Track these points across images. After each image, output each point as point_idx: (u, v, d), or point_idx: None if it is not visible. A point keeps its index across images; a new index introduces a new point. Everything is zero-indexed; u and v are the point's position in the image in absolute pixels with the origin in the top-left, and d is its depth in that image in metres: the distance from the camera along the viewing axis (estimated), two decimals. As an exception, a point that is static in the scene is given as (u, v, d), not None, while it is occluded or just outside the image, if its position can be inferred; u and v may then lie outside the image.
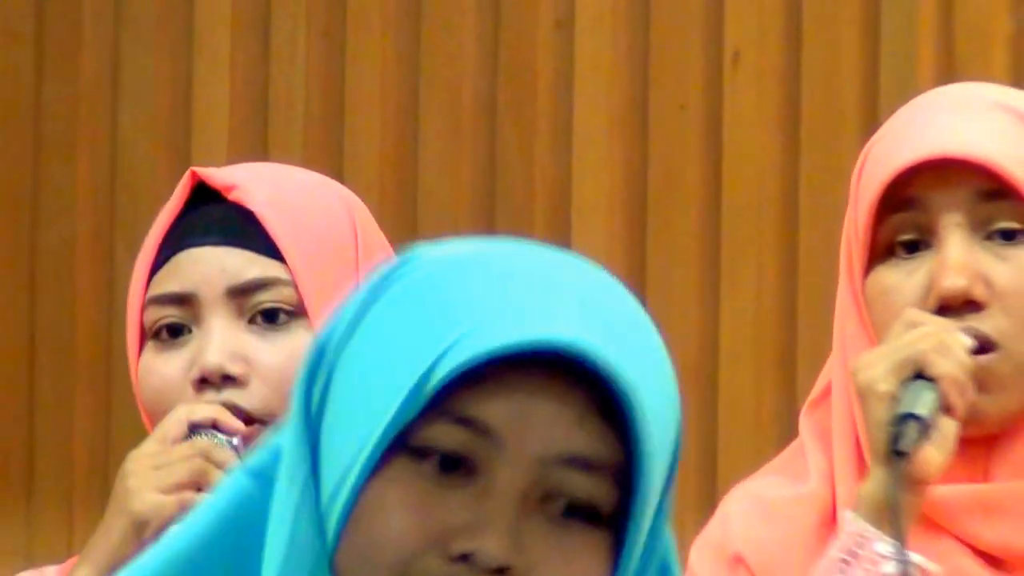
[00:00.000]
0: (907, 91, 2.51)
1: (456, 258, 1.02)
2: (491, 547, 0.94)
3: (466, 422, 0.96)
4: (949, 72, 2.78)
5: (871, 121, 2.87)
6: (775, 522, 1.86)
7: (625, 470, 0.96)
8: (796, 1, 2.94)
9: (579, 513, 0.96)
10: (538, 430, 0.98)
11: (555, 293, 1.01)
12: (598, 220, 2.86)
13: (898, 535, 1.68)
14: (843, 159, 2.85)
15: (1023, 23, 2.91)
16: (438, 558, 0.95)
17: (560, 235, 2.90)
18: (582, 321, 0.98)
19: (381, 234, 1.80)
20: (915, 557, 1.67)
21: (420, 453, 0.97)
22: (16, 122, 3.55)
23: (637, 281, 2.87)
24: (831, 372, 1.88)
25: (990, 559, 1.78)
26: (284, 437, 1.03)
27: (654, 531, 0.99)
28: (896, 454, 1.68)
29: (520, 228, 2.97)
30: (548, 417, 0.97)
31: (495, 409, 0.96)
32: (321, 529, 1.01)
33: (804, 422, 1.88)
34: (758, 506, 1.88)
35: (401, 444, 0.97)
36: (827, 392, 1.86)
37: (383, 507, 0.97)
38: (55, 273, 3.33)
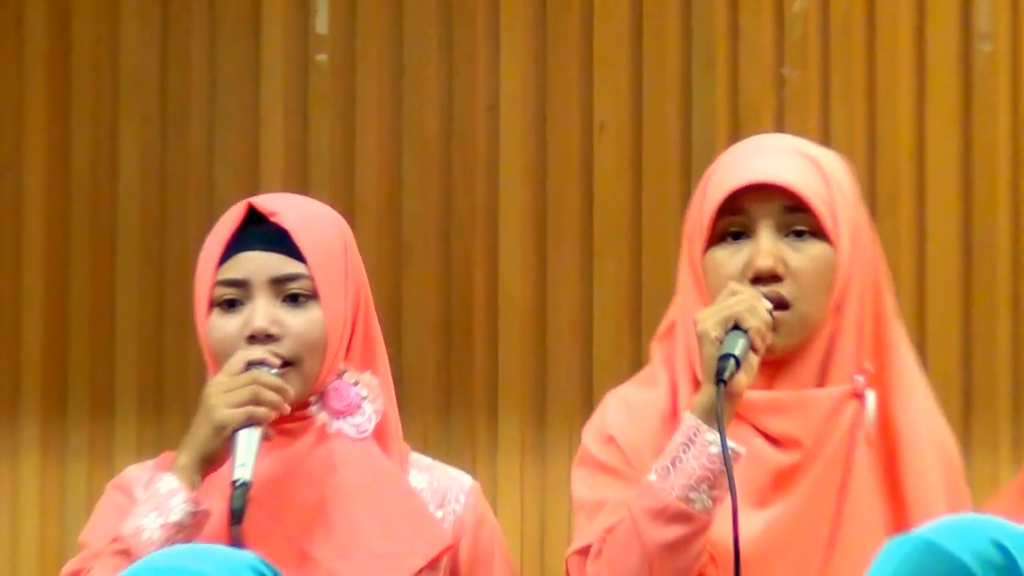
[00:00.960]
0: (712, 146, 3.44)
1: None
2: None
3: None
4: (735, 132, 3.41)
5: (688, 167, 3.61)
6: (635, 416, 2.38)
7: None
8: (639, 87, 3.56)
9: None
10: None
11: None
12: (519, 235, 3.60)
13: (720, 428, 2.21)
14: (671, 195, 3.58)
15: (783, 100, 3.47)
16: None
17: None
18: None
19: (356, 247, 2.44)
20: (729, 442, 2.21)
21: None
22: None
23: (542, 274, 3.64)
24: (674, 316, 2.42)
25: (774, 441, 2.28)
26: None
27: None
28: (720, 381, 2.19)
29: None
30: None
31: None
32: None
33: (655, 349, 2.44)
34: (624, 404, 2.41)
35: None
36: (670, 329, 2.41)
37: None
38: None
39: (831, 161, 2.46)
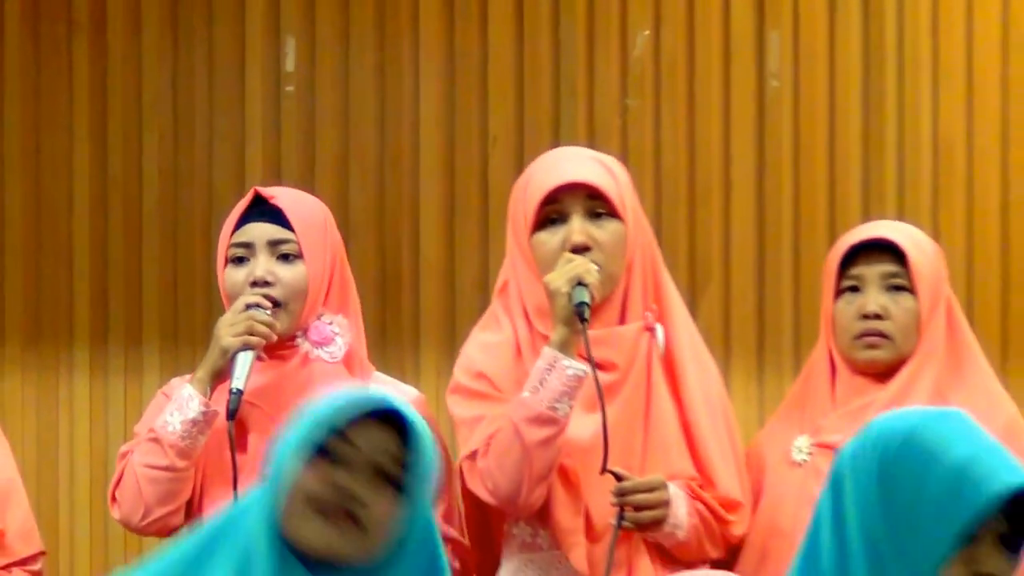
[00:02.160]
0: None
1: None
2: None
3: None
4: (591, 146, 3.54)
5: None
6: (492, 354, 2.94)
7: None
8: (521, 110, 4.15)
9: None
10: None
11: None
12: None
13: (588, 356, 2.71)
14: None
15: (626, 122, 4.09)
16: None
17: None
18: None
19: (334, 224, 2.97)
20: (580, 364, 2.73)
21: None
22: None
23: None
24: (506, 276, 2.93)
25: (599, 365, 2.75)
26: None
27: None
28: (583, 320, 2.69)
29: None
30: None
31: None
32: None
33: (496, 301, 2.97)
34: (483, 347, 2.97)
35: None
36: (504, 287, 2.94)
37: None
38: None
39: (615, 164, 2.98)
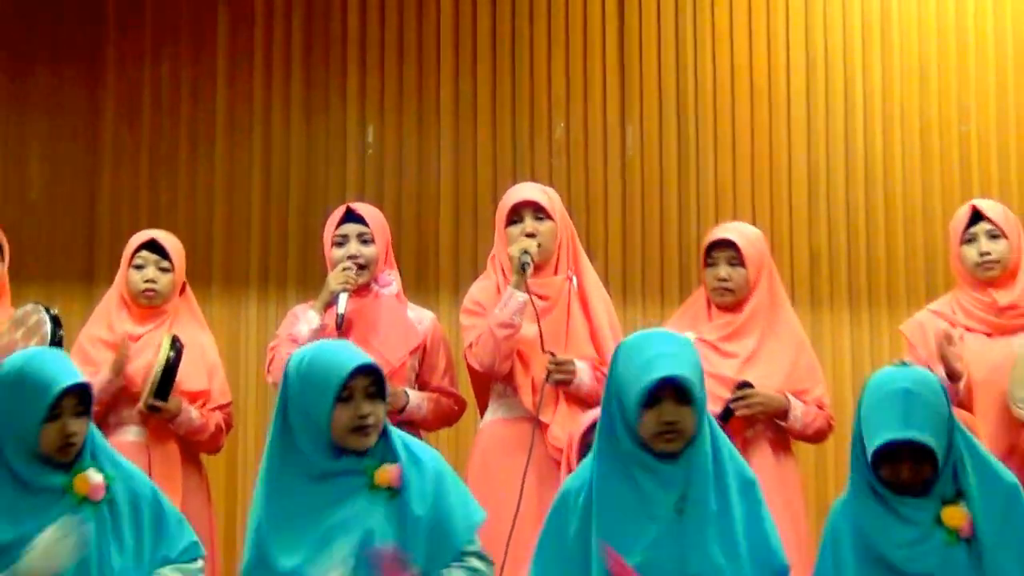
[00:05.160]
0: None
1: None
2: None
3: None
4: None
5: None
6: (485, 292, 4.04)
7: None
8: (499, 166, 5.29)
9: None
10: None
11: None
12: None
13: (528, 291, 3.89)
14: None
15: (552, 173, 5.16)
16: None
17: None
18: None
19: (387, 225, 4.22)
20: (524, 295, 3.86)
21: None
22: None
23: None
24: (494, 251, 3.94)
25: (541, 297, 3.83)
26: None
27: None
28: (523, 271, 3.86)
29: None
30: None
31: None
32: None
33: (489, 263, 4.00)
34: (480, 288, 4.03)
35: None
36: (493, 257, 3.99)
37: None
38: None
39: (550, 190, 4.03)
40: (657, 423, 2.86)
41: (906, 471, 2.91)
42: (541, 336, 3.86)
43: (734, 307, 4.17)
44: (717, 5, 5.73)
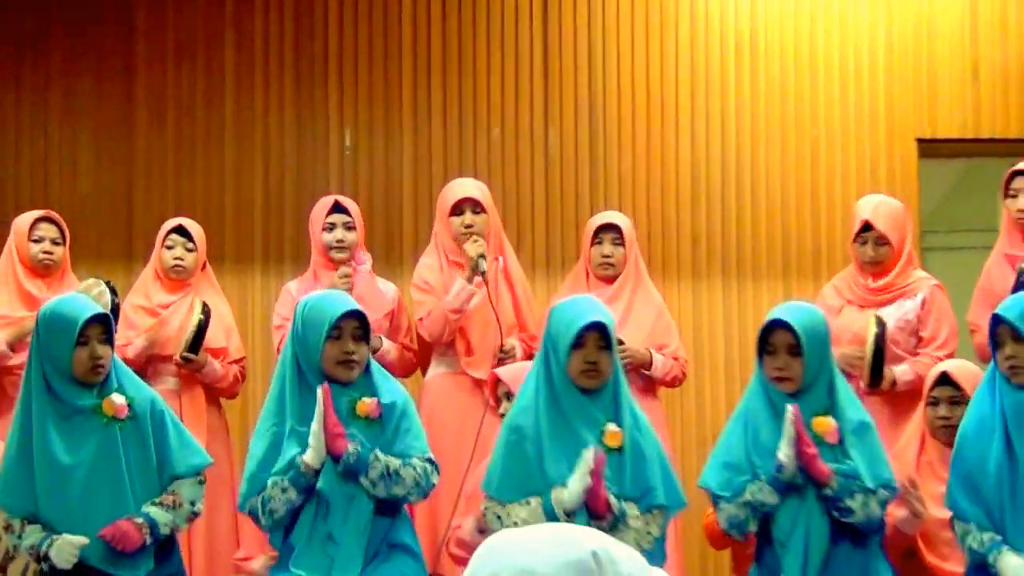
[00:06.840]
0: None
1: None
2: None
3: None
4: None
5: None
6: (431, 270, 4.85)
7: None
8: (450, 163, 5.92)
9: None
10: None
11: None
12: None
13: (470, 284, 4.79)
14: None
15: (491, 170, 5.70)
16: None
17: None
18: None
19: (360, 213, 4.93)
20: (471, 288, 4.74)
21: None
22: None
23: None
24: (435, 232, 4.78)
25: (505, 275, 4.69)
26: None
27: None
28: (482, 274, 4.66)
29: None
30: None
31: None
32: None
33: (431, 244, 4.84)
34: (427, 266, 4.84)
35: None
36: (434, 238, 4.84)
37: None
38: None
39: (483, 186, 4.72)
40: (582, 362, 3.28)
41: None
42: (499, 320, 4.70)
43: (613, 279, 4.77)
44: (622, 31, 6.37)
